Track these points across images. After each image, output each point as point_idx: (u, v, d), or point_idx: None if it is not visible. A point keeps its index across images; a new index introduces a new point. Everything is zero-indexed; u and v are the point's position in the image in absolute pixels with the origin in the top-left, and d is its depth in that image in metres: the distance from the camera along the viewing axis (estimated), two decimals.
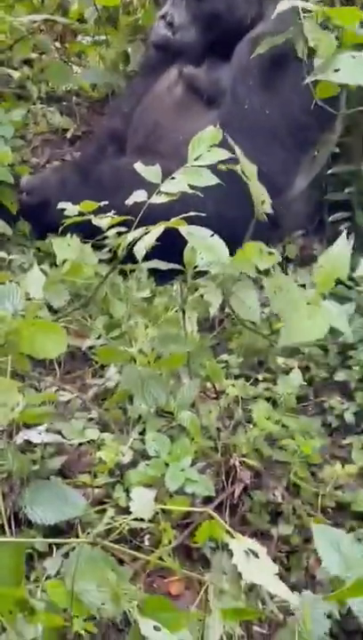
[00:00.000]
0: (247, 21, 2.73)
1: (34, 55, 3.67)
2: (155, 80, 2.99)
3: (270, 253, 1.87)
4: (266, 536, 1.76)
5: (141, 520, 1.53)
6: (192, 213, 1.82)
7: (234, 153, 1.96)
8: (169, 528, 1.53)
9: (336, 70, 1.85)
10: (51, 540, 1.56)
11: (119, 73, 3.56)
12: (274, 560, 1.39)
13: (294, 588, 1.60)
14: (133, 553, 1.52)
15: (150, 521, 1.59)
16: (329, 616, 1.44)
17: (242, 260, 1.83)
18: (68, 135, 3.40)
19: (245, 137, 2.56)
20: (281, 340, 1.83)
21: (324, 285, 1.83)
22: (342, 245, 1.85)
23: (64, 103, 3.61)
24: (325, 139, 2.81)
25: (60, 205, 2.04)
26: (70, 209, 1.99)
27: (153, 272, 2.36)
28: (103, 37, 3.73)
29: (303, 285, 2.56)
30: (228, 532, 1.29)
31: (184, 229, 1.73)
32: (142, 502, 1.53)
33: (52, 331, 1.66)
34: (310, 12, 2.10)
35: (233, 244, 1.86)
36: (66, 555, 1.54)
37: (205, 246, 1.74)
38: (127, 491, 1.68)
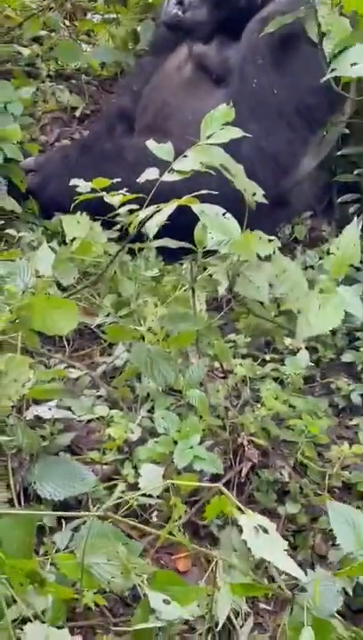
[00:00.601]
0: (258, 1, 2.71)
1: (43, 33, 3.65)
2: (164, 59, 2.98)
3: (270, 240, 1.87)
4: (273, 515, 1.77)
5: (150, 496, 1.54)
6: (204, 192, 1.82)
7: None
8: (179, 503, 1.54)
9: (353, 64, 1.83)
10: (61, 514, 1.58)
11: (129, 51, 3.54)
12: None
13: (300, 566, 1.60)
14: (142, 527, 1.53)
15: (159, 497, 1.60)
16: None
17: (241, 247, 1.83)
18: (77, 113, 3.39)
19: (252, 116, 2.57)
20: (298, 333, 1.84)
21: (336, 272, 1.83)
22: (353, 231, 1.85)
23: (73, 81, 3.60)
24: (334, 120, 2.80)
25: (72, 182, 2.03)
26: (83, 186, 1.98)
27: (161, 251, 2.37)
28: (113, 16, 3.71)
29: (312, 267, 2.58)
30: (238, 507, 1.30)
31: (196, 207, 1.72)
32: (151, 478, 1.54)
33: (63, 307, 1.67)
34: None
35: (241, 222, 1.86)
36: (75, 529, 1.56)
37: (216, 225, 1.74)
38: (136, 467, 1.69)
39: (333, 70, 1.84)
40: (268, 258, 1.93)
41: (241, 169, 1.89)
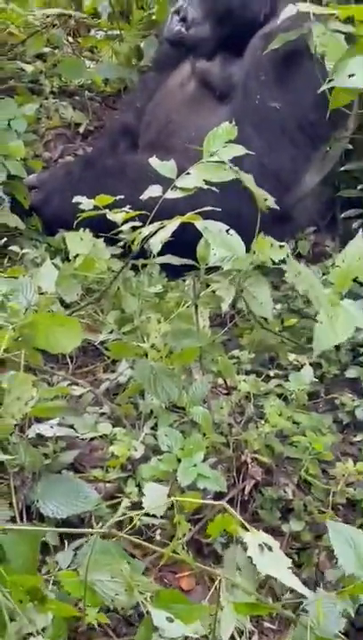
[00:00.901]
0: (260, 18, 2.72)
1: (47, 50, 3.67)
2: (168, 75, 2.99)
3: (281, 247, 1.87)
4: (277, 532, 1.76)
5: (154, 516, 1.54)
6: (206, 209, 1.82)
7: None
8: (183, 521, 1.53)
9: (350, 76, 1.83)
10: (64, 530, 1.57)
11: (132, 68, 3.56)
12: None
13: (305, 584, 1.60)
14: (146, 545, 1.52)
15: (162, 516, 1.59)
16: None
17: (255, 254, 1.83)
18: (81, 130, 3.40)
19: (255, 132, 2.57)
20: (315, 349, 1.84)
21: (341, 285, 1.83)
22: (358, 245, 1.85)
23: (77, 98, 3.61)
24: (337, 136, 2.81)
25: (75, 199, 2.04)
26: (85, 203, 1.99)
27: (164, 267, 2.37)
28: (116, 32, 3.74)
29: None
30: (242, 525, 1.29)
31: (200, 224, 1.73)
32: (154, 497, 1.54)
33: (67, 325, 1.67)
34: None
35: (242, 239, 1.86)
36: (78, 547, 1.55)
37: (220, 241, 1.74)
38: (139, 485, 1.68)
39: (331, 81, 1.84)
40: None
41: (251, 179, 1.89)
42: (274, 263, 1.85)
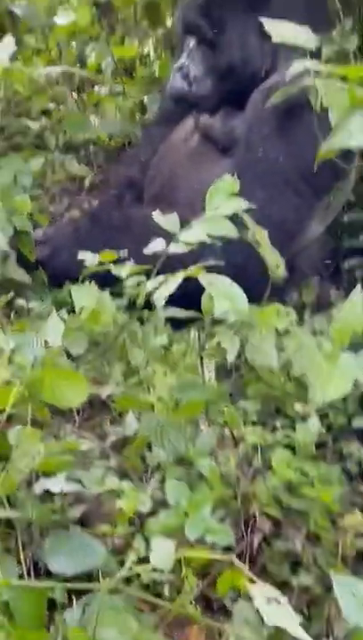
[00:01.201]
0: (262, 73, 2.76)
1: (52, 106, 3.72)
2: (171, 130, 3.03)
3: (288, 314, 1.88)
4: (286, 586, 1.74)
5: (161, 571, 1.53)
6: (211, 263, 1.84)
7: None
8: (191, 575, 1.52)
9: (352, 134, 1.86)
10: (72, 585, 1.55)
11: (136, 123, 3.61)
12: (294, 610, 1.38)
13: (315, 638, 1.59)
14: (154, 600, 1.51)
15: (170, 571, 1.58)
16: None
17: (261, 321, 1.84)
18: (86, 183, 3.44)
19: (258, 184, 2.60)
20: (311, 404, 1.84)
21: (341, 339, 1.84)
22: (358, 297, 1.86)
23: (81, 152, 3.66)
24: (339, 186, 2.83)
25: (80, 256, 2.07)
26: (90, 258, 2.01)
27: (169, 319, 2.38)
28: (120, 88, 3.79)
29: (321, 332, 2.58)
30: (250, 579, 1.29)
31: (204, 278, 1.74)
32: (162, 552, 1.53)
33: (73, 379, 1.67)
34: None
35: (247, 291, 1.88)
36: (86, 604, 1.54)
37: (224, 295, 1.75)
38: (147, 540, 1.67)
39: (332, 140, 1.87)
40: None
41: (266, 236, 1.91)
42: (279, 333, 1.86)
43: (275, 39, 1.95)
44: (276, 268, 1.92)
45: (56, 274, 2.66)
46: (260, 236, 1.87)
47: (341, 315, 1.85)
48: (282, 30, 1.96)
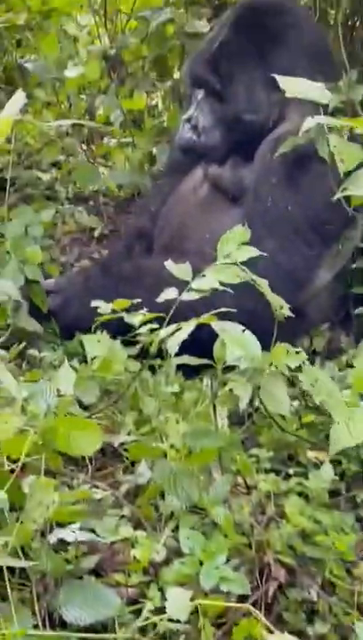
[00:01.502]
0: (269, 123, 2.80)
1: (62, 157, 3.77)
2: (180, 180, 3.07)
3: (298, 352, 1.88)
4: (302, 635, 1.72)
5: (178, 621, 1.52)
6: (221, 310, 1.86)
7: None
8: (207, 625, 1.51)
9: None
10: (87, 636, 1.55)
11: (145, 173, 3.65)
12: None
13: None
14: None
15: (186, 621, 1.57)
16: None
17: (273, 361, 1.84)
18: (96, 234, 3.48)
19: (267, 232, 2.63)
20: (331, 448, 1.84)
21: (360, 386, 1.84)
22: None
23: (91, 203, 3.70)
24: (348, 234, 2.86)
25: (93, 304, 2.08)
26: (103, 307, 2.03)
27: (181, 366, 2.39)
28: (129, 139, 3.84)
29: (332, 378, 2.58)
30: (267, 628, 1.28)
31: (216, 325, 1.76)
32: (178, 601, 1.52)
33: (87, 427, 1.68)
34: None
35: (257, 337, 1.89)
36: None
37: (236, 341, 1.76)
38: (162, 589, 1.66)
39: (344, 190, 1.89)
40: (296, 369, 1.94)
41: (266, 284, 1.92)
42: (291, 370, 1.87)
43: (288, 94, 1.98)
44: (279, 309, 1.92)
45: (67, 324, 2.68)
46: (261, 281, 1.88)
47: (358, 362, 1.86)
48: (294, 85, 1.99)
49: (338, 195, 1.87)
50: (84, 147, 4.06)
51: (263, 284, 1.87)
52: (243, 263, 1.89)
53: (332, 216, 2.53)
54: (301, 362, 1.83)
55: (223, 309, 1.85)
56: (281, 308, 1.91)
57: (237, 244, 1.86)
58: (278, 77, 1.99)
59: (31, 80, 3.89)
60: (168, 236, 2.94)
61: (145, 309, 2.05)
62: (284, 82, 1.99)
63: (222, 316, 1.85)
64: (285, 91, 1.99)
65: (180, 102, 3.83)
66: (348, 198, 2.26)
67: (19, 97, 2.68)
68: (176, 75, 4.00)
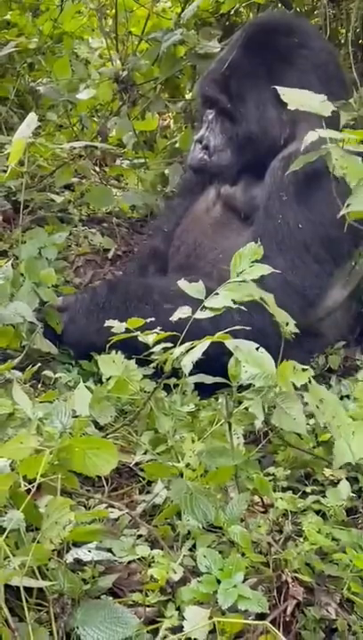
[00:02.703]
0: (280, 142, 2.81)
1: (75, 179, 3.79)
2: (193, 200, 3.08)
3: (304, 370, 1.88)
4: None
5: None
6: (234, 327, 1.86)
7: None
8: None
9: None
10: None
11: (158, 194, 3.67)
12: None
13: None
14: None
15: None
16: None
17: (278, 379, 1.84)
18: (110, 255, 3.49)
19: (278, 250, 2.64)
20: (335, 461, 1.83)
21: None
22: None
23: (105, 224, 3.72)
24: (360, 251, 2.86)
25: (107, 323, 2.09)
26: (117, 326, 2.04)
27: (196, 385, 2.39)
28: (141, 160, 3.86)
29: (348, 397, 2.58)
30: None
31: (230, 343, 1.76)
32: (195, 620, 1.51)
33: (103, 447, 1.68)
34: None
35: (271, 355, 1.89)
36: None
37: (250, 359, 1.76)
38: (179, 609, 1.65)
39: (349, 206, 1.89)
40: (304, 387, 1.94)
41: (273, 300, 1.92)
42: (297, 388, 1.86)
43: (290, 106, 1.99)
44: (285, 325, 1.92)
45: (73, 340, 2.69)
46: (269, 301, 1.88)
47: None
48: (297, 98, 2.00)
49: (343, 211, 1.87)
50: (97, 168, 4.08)
51: (271, 301, 1.87)
52: (253, 281, 1.90)
53: (343, 234, 2.53)
54: (306, 380, 1.82)
55: (237, 327, 1.85)
56: (287, 324, 1.90)
57: (250, 262, 1.87)
58: (280, 89, 2.00)
59: (43, 103, 3.92)
60: (184, 256, 2.95)
61: (158, 327, 2.05)
62: (287, 94, 2.00)
63: (235, 334, 1.85)
64: (295, 109, 1.99)
65: (192, 123, 3.86)
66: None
67: (31, 120, 2.71)
68: (188, 95, 4.04)
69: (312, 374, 1.93)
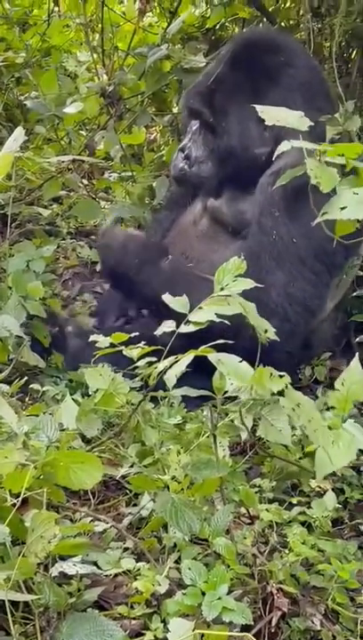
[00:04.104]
0: (262, 158, 2.82)
1: (62, 193, 3.81)
2: (180, 213, 3.10)
3: (281, 376, 1.88)
4: None
5: None
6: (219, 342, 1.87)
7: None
8: None
9: (342, 208, 1.91)
10: None
11: (145, 207, 3.68)
12: None
13: None
14: None
15: None
16: None
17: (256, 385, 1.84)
18: (98, 268, 3.50)
19: (276, 265, 2.67)
20: (318, 473, 1.83)
21: (342, 409, 1.85)
22: (357, 367, 1.88)
23: (92, 237, 3.73)
24: (350, 263, 2.88)
25: (92, 338, 2.10)
26: (102, 341, 2.05)
27: (183, 397, 2.40)
28: (129, 173, 3.88)
29: (333, 407, 2.59)
30: None
31: (213, 357, 1.77)
32: (180, 632, 1.52)
33: (88, 461, 1.69)
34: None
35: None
36: None
37: (234, 372, 1.77)
38: (164, 621, 1.66)
39: (325, 214, 1.91)
40: (281, 394, 1.94)
41: (253, 307, 1.92)
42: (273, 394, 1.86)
43: (268, 122, 2.01)
44: (264, 332, 1.93)
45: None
46: (245, 305, 1.88)
47: (341, 386, 1.86)
48: (275, 114, 2.01)
49: (319, 219, 1.89)
50: (85, 182, 4.10)
51: (251, 309, 1.87)
52: (253, 296, 1.90)
53: (336, 246, 2.55)
54: (283, 386, 1.83)
55: (220, 341, 1.86)
56: (266, 332, 1.91)
57: (234, 276, 1.88)
58: (258, 107, 2.02)
59: (31, 117, 3.94)
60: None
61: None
62: (265, 112, 2.01)
63: (225, 347, 1.86)
64: (279, 127, 2.01)
65: (178, 136, 3.88)
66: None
67: (19, 134, 2.71)
68: (174, 109, 4.06)
69: (290, 381, 1.93)
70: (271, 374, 1.77)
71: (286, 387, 1.79)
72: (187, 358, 1.78)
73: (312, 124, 1.99)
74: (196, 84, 3.01)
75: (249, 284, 1.87)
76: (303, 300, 2.71)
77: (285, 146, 1.96)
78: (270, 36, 3.17)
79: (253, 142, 2.83)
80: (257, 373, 1.78)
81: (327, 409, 2.55)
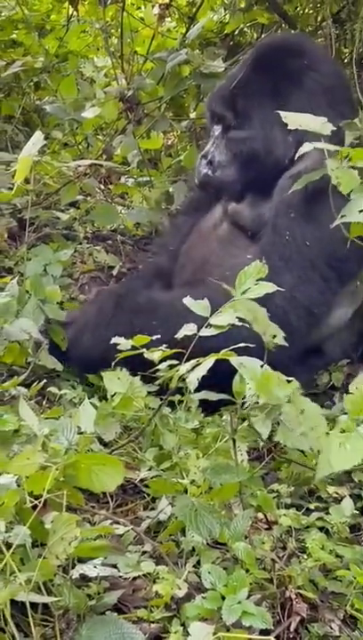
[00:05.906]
0: (285, 162, 2.82)
1: (80, 197, 3.81)
2: (199, 218, 3.10)
3: (289, 382, 1.88)
4: None
5: None
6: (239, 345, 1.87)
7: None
8: None
9: (361, 211, 1.91)
10: None
11: (162, 212, 3.69)
12: None
13: None
14: None
15: None
16: None
17: (262, 390, 1.84)
18: (114, 272, 3.51)
19: (285, 266, 2.65)
20: (318, 472, 1.83)
21: (356, 412, 1.84)
22: None
23: (109, 242, 3.74)
24: None
25: (113, 340, 2.10)
26: (123, 343, 2.05)
27: (201, 402, 2.40)
28: (146, 178, 3.88)
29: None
30: None
31: (234, 360, 1.77)
32: (200, 637, 1.52)
33: (109, 464, 1.69)
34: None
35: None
36: None
37: (254, 376, 1.77)
38: (184, 625, 1.66)
39: (343, 217, 1.91)
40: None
41: (263, 312, 1.92)
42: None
43: (291, 126, 2.01)
44: (272, 339, 1.93)
45: (79, 355, 2.69)
46: (257, 312, 1.88)
47: (355, 389, 1.86)
48: (299, 119, 2.02)
49: (338, 221, 1.89)
50: (102, 186, 4.11)
51: (263, 318, 1.87)
52: (259, 297, 1.91)
53: (350, 253, 2.54)
54: (290, 391, 1.82)
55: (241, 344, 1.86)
56: (274, 337, 1.91)
57: (255, 280, 1.88)
58: (282, 113, 2.03)
59: (49, 121, 3.95)
60: (190, 273, 2.96)
61: (163, 345, 2.06)
62: (288, 117, 2.02)
63: (239, 351, 1.86)
64: (302, 131, 2.01)
65: (196, 142, 3.89)
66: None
67: (37, 138, 2.73)
68: (192, 115, 4.06)
69: (298, 386, 1.92)
70: (278, 378, 1.77)
71: (294, 392, 1.79)
72: (208, 362, 1.78)
73: (335, 128, 1.99)
74: (218, 88, 3.02)
75: (270, 287, 1.87)
76: (308, 306, 2.69)
77: (306, 147, 1.96)
78: (294, 40, 3.18)
79: (275, 146, 2.84)
80: (263, 378, 1.78)
81: (345, 414, 2.56)
